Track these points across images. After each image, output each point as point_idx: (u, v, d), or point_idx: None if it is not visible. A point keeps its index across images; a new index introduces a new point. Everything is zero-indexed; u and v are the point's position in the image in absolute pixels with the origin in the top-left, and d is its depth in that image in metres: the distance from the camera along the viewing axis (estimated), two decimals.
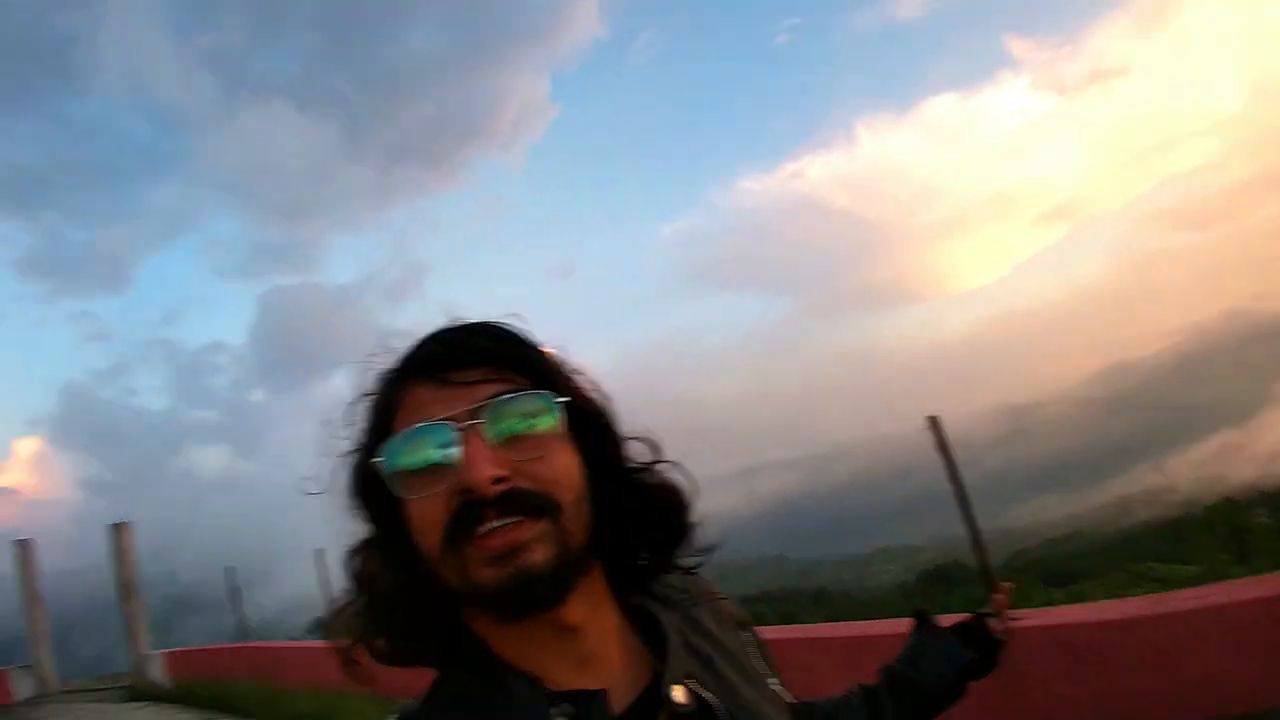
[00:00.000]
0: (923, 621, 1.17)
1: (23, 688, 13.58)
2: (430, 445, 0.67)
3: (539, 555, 0.65)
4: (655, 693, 0.72)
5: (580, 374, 0.75)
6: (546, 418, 0.69)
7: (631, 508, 0.74)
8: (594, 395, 0.75)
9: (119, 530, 13.69)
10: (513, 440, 0.67)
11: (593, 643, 0.72)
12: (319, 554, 9.33)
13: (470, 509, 0.65)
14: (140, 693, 12.08)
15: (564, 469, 0.69)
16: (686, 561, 0.79)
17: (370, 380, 0.75)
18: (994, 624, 1.14)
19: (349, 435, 0.75)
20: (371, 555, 0.73)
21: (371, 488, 0.71)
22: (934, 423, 6.41)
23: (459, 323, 0.73)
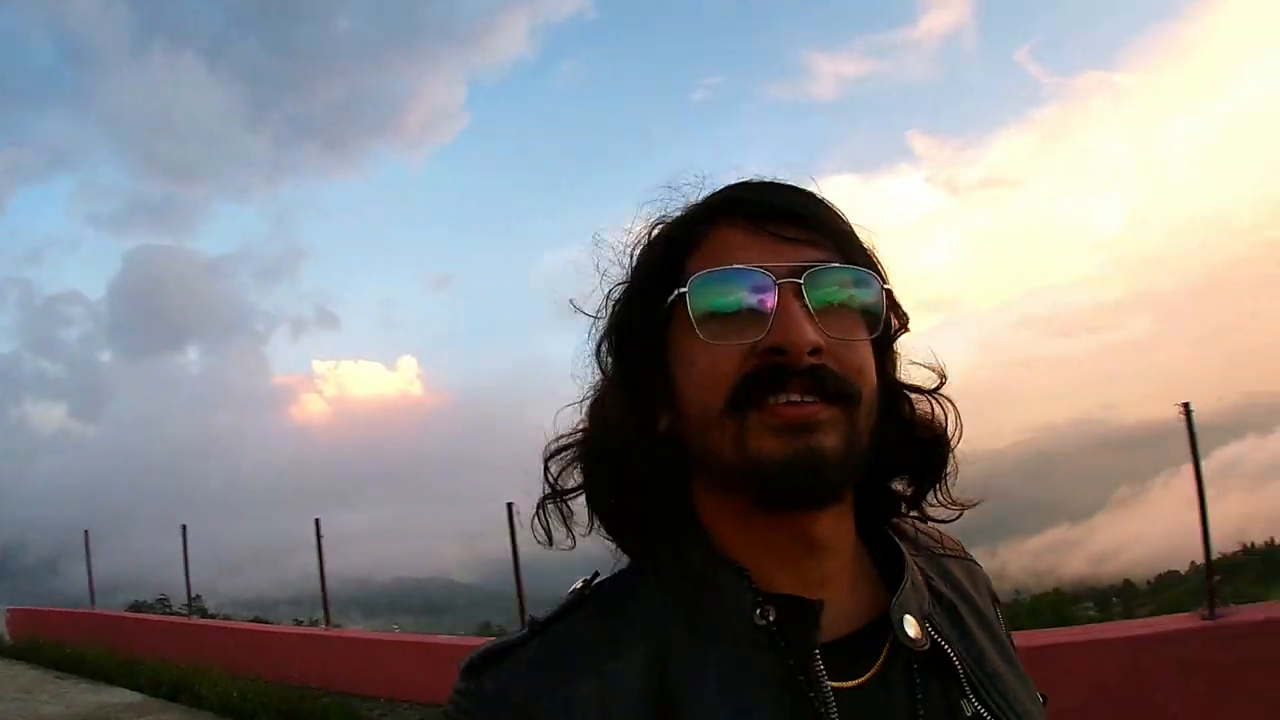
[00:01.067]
0: None
1: None
2: (745, 289, 0.59)
3: (831, 440, 0.57)
4: (881, 629, 0.62)
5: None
6: (870, 299, 0.62)
7: (898, 428, 0.66)
8: (898, 300, 0.66)
9: None
10: (828, 313, 0.59)
11: (828, 565, 0.63)
12: (184, 529, 9.59)
13: (775, 372, 0.57)
14: None
15: (868, 360, 0.61)
16: (942, 510, 0.70)
17: (663, 214, 0.67)
18: None
19: (622, 262, 0.68)
20: (618, 399, 0.65)
21: (644, 324, 0.64)
22: None
23: (773, 179, 0.65)
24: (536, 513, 0.69)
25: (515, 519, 8.08)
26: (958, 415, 0.69)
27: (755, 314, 0.59)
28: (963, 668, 0.63)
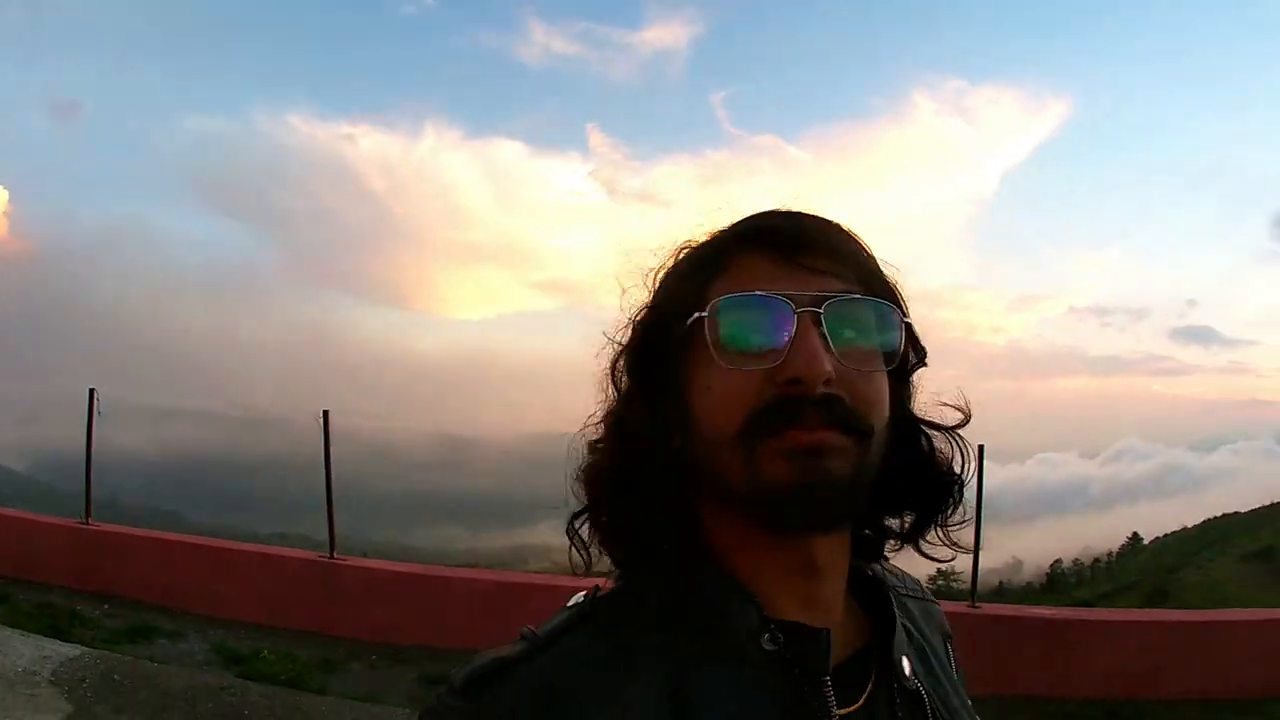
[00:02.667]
0: None
1: None
2: (765, 316, 0.59)
3: (841, 466, 0.58)
4: (867, 658, 0.65)
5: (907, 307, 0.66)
6: (890, 334, 0.62)
7: (909, 462, 0.66)
8: (917, 334, 0.66)
9: None
10: (846, 344, 0.60)
11: (827, 589, 0.63)
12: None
13: (790, 403, 0.58)
14: None
15: (882, 394, 0.61)
16: (941, 549, 0.70)
17: (692, 240, 0.67)
18: None
19: (648, 286, 0.68)
20: (640, 415, 0.64)
21: (665, 345, 0.63)
22: (325, 418, 6.83)
23: (799, 209, 0.65)
24: (571, 531, 0.68)
25: (96, 407, 7.63)
26: (971, 457, 0.70)
27: (774, 341, 0.59)
28: (930, 705, 0.67)
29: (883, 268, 0.66)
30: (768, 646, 0.60)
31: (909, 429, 0.68)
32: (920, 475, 0.68)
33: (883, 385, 0.62)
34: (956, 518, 0.70)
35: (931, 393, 0.70)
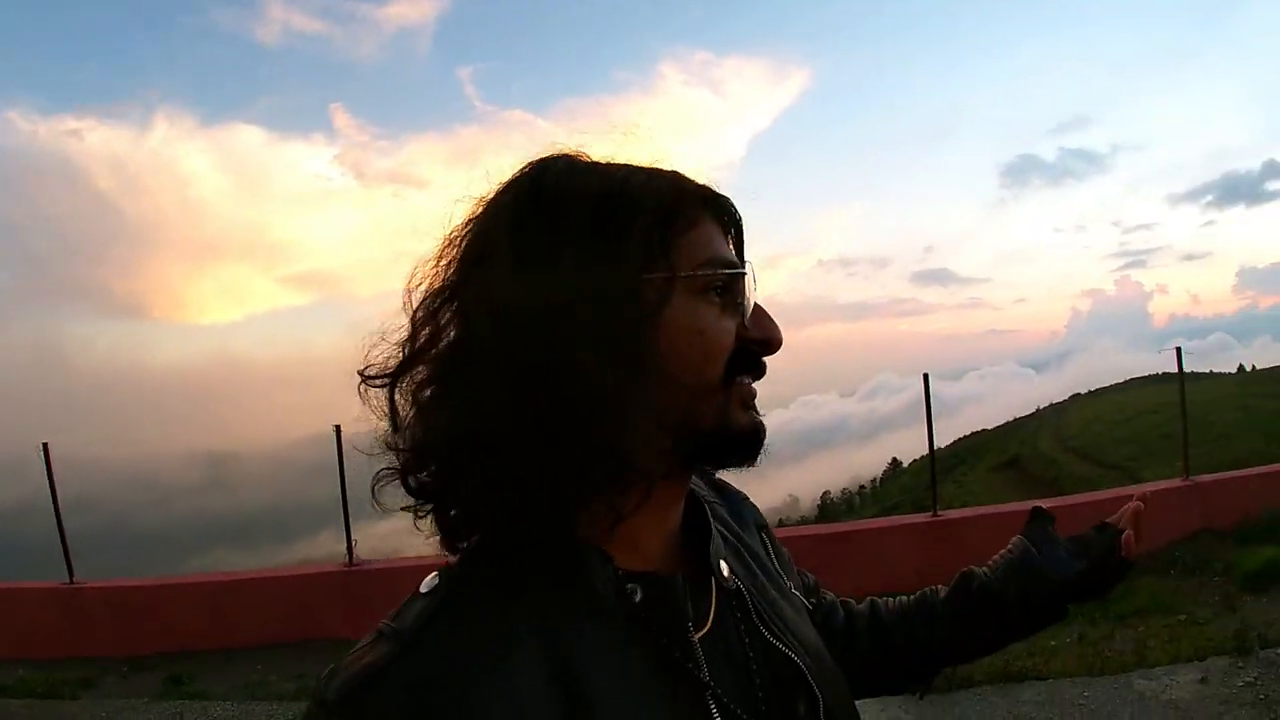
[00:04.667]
0: (1037, 521, 0.97)
1: None
2: (732, 289, 0.64)
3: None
4: (698, 574, 0.67)
5: None
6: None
7: None
8: None
9: None
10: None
11: (676, 530, 0.68)
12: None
13: (758, 359, 0.65)
14: None
15: None
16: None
17: (608, 178, 0.62)
18: (1127, 539, 0.91)
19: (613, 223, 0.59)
20: (580, 349, 0.56)
21: (618, 289, 0.58)
22: (45, 450, 7.06)
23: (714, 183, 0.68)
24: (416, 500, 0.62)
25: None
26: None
27: (745, 301, 0.65)
28: (752, 601, 0.69)
29: None
30: (632, 600, 0.60)
31: None
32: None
33: None
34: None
35: None
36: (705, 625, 0.65)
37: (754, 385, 0.66)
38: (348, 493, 7.00)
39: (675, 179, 0.65)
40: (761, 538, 0.84)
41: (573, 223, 0.59)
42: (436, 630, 0.56)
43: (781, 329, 0.66)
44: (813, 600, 0.93)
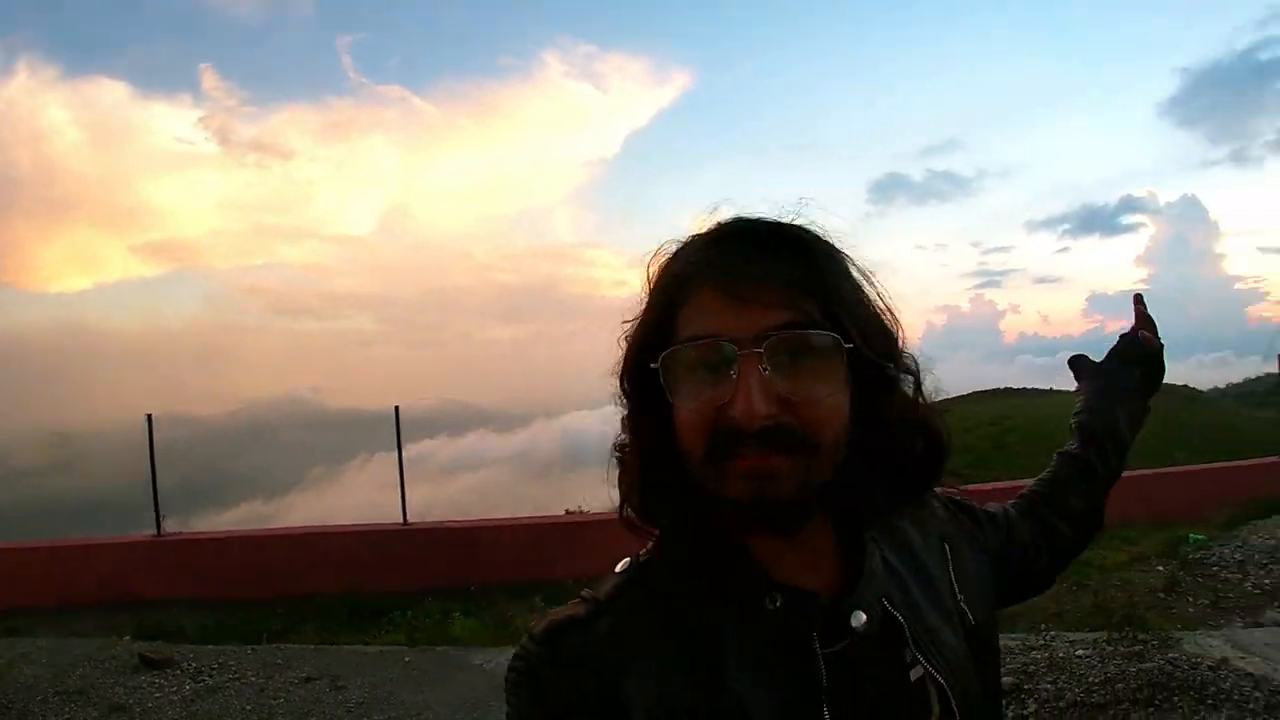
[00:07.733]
0: (1081, 366, 1.13)
1: None
2: (707, 364, 0.66)
3: (784, 488, 0.65)
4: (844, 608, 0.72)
5: (875, 293, 0.72)
6: (829, 359, 0.66)
7: (886, 450, 0.72)
8: (882, 331, 0.72)
9: None
10: (794, 373, 0.65)
11: (809, 558, 0.73)
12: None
13: (731, 436, 0.65)
14: None
15: (832, 411, 0.67)
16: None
17: (661, 263, 0.73)
18: (1146, 336, 1.10)
19: (633, 318, 0.75)
20: (642, 424, 0.74)
21: (644, 375, 0.70)
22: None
23: (759, 218, 0.70)
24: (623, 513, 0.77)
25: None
26: (943, 418, 0.76)
27: (721, 381, 0.65)
28: (911, 632, 0.75)
29: (837, 274, 0.69)
30: (769, 606, 0.69)
31: (883, 422, 0.71)
32: (883, 461, 0.72)
33: (835, 401, 0.67)
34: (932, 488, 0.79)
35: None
36: (842, 641, 0.70)
37: (758, 460, 0.64)
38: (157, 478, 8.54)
39: (703, 244, 0.71)
40: (943, 547, 0.85)
41: (648, 298, 0.73)
42: (625, 600, 0.73)
43: (761, 402, 0.64)
44: (1007, 543, 0.95)
